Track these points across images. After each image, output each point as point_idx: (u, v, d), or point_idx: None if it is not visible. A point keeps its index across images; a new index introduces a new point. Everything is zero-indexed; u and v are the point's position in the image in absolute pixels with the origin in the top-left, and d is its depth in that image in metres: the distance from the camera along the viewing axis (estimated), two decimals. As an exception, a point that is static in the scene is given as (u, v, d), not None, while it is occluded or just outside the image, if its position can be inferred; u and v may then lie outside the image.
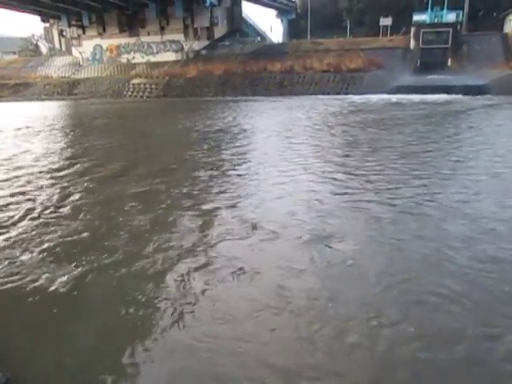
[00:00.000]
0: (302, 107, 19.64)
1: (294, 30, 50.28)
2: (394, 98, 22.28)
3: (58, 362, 2.82)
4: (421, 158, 8.24)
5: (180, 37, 37.34)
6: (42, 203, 6.04)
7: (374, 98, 22.70)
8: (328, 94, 25.92)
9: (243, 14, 40.10)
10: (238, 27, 38.19)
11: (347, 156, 8.71)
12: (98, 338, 3.05)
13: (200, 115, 17.90)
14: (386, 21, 35.81)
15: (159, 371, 2.69)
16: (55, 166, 8.53)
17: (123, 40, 39.13)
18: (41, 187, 6.93)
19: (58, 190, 6.73)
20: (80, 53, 41.05)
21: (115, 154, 9.88)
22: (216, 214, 5.39)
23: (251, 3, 45.74)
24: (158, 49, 38.41)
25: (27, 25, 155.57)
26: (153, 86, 31.69)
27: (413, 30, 30.88)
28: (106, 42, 39.90)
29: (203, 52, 36.85)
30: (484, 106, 17.74)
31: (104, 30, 39.39)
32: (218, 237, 4.60)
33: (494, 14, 38.59)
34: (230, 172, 7.69)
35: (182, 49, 37.39)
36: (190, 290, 3.54)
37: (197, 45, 36.83)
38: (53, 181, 7.34)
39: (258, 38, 50.29)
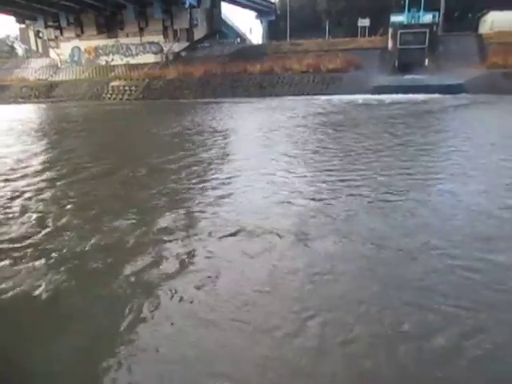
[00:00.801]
0: (282, 109, 19.69)
1: (273, 31, 50.47)
2: (373, 97, 22.53)
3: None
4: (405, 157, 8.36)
5: (159, 38, 37.11)
6: None
7: (353, 98, 22.90)
8: (308, 94, 26.06)
9: (223, 16, 40.11)
10: (218, 29, 38.17)
11: (327, 161, 8.76)
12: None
13: (180, 117, 17.82)
14: (364, 22, 36.24)
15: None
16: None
17: (102, 42, 38.69)
18: None
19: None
20: (58, 55, 40.42)
21: (91, 159, 9.74)
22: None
23: (231, 5, 45.80)
24: (138, 50, 38.09)
25: (1, 26, 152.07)
26: (132, 88, 31.41)
27: (390, 30, 31.30)
28: (84, 44, 39.39)
29: (183, 54, 36.70)
30: (460, 105, 18.08)
31: (82, 31, 38.86)
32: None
33: (469, 15, 39.45)
34: (211, 177, 7.67)
35: (161, 50, 37.16)
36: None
37: (176, 46, 36.65)
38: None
39: (238, 40, 50.32)
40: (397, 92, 23.29)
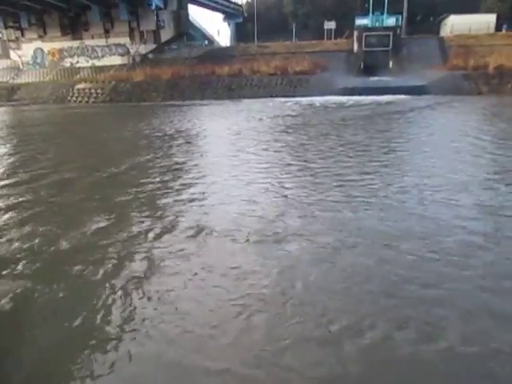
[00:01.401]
0: (250, 111, 19.78)
1: (241, 33, 50.64)
2: (339, 99, 22.89)
3: None
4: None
5: (126, 40, 36.58)
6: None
7: (320, 99, 23.21)
8: (276, 96, 26.24)
9: (190, 18, 39.94)
10: (185, 30, 37.95)
11: (305, 161, 8.89)
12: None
13: (147, 120, 17.61)
14: (330, 24, 36.86)
15: None
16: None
17: (66, 43, 37.80)
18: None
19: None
20: (19, 56, 39.18)
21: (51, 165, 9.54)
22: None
23: (198, 7, 45.66)
24: (104, 52, 37.41)
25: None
26: (99, 91, 30.79)
27: (356, 33, 31.92)
28: (47, 46, 38.35)
29: (150, 56, 36.29)
30: (419, 107, 18.62)
31: (45, 32, 37.85)
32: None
33: (431, 18, 40.74)
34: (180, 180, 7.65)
35: (128, 52, 36.63)
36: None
37: (143, 48, 36.23)
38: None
39: (206, 42, 50.23)
40: (363, 94, 23.73)
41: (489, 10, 38.71)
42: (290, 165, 8.23)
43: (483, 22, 34.81)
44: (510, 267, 4.01)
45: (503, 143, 9.84)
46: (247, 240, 4.65)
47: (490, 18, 35.88)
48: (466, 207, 5.51)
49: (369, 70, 29.83)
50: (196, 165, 8.75)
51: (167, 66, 32.03)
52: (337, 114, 16.95)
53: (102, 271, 4.06)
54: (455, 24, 35.01)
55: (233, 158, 9.05)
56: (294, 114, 17.82)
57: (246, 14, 53.03)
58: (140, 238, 4.81)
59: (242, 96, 27.01)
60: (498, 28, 34.77)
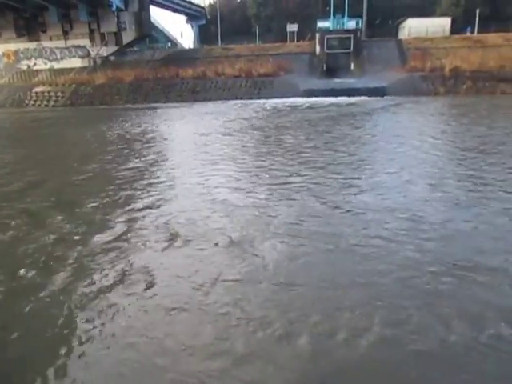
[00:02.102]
0: (215, 113, 19.79)
1: (204, 35, 50.46)
2: (303, 101, 23.23)
3: None
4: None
5: (86, 42, 35.71)
6: None
7: (284, 101, 23.48)
8: (241, 98, 26.34)
9: (152, 20, 39.43)
10: (148, 32, 37.41)
11: (264, 160, 8.97)
12: None
13: (109, 124, 17.32)
14: (293, 27, 37.30)
15: None
16: None
17: (22, 45, 36.51)
18: None
19: None
20: (-29, 58, 37.59)
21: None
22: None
23: (160, 8, 45.16)
24: (63, 55, 36.36)
25: None
26: (59, 94, 29.98)
27: (318, 36, 32.42)
28: (2, 47, 36.95)
29: (112, 58, 35.57)
30: (383, 107, 19.18)
31: (-1, 33, 36.48)
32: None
33: (390, 21, 41.88)
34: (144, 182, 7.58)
35: (88, 54, 35.76)
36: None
37: (104, 50, 35.46)
38: None
39: (169, 44, 49.72)
40: (326, 95, 24.17)
41: (444, 14, 40.16)
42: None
43: (439, 25, 36.12)
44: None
45: (441, 141, 10.51)
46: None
47: (445, 22, 37.27)
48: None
49: (331, 71, 30.36)
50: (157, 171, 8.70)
51: (130, 68, 31.57)
52: (297, 116, 17.22)
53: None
54: (412, 27, 36.14)
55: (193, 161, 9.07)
56: (254, 116, 17.98)
57: (209, 17, 52.84)
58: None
59: (207, 98, 26.95)
60: (454, 31, 36.16)
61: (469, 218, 5.29)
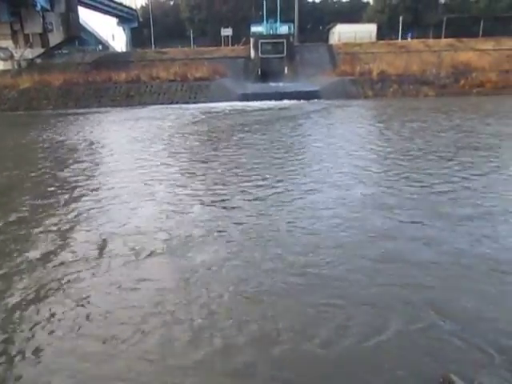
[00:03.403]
0: (150, 118, 19.45)
1: (137, 38, 49.36)
2: (239, 104, 23.44)
3: None
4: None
5: (8, 43, 33.57)
6: None
7: (220, 105, 23.52)
8: (177, 103, 26.05)
9: (81, 21, 38.00)
10: (76, 34, 35.99)
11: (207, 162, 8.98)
12: None
13: (36, 131, 16.47)
14: (227, 31, 37.57)
15: None
16: None
17: None
18: None
19: None
20: None
21: None
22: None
23: (89, 10, 43.58)
24: (-18, 57, 34.01)
25: None
26: (-22, 99, 27.98)
27: (252, 40, 32.92)
28: None
29: (38, 61, 33.80)
30: (314, 110, 19.84)
31: None
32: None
33: (320, 27, 43.43)
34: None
35: (11, 57, 33.67)
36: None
37: (30, 52, 33.60)
38: None
39: (100, 47, 48.13)
40: (261, 99, 24.53)
41: (370, 20, 42.31)
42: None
43: (366, 31, 37.98)
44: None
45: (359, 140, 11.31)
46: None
47: (372, 28, 39.29)
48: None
49: (266, 76, 30.94)
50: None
51: (58, 71, 30.13)
52: (232, 119, 17.42)
53: None
54: (342, 32, 37.70)
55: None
56: (191, 120, 17.93)
57: (141, 19, 51.74)
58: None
59: (142, 103, 26.38)
60: (380, 37, 38.13)
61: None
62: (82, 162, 10.12)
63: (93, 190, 7.43)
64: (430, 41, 36.05)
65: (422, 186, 7.04)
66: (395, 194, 6.68)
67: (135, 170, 8.84)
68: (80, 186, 7.73)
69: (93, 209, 6.40)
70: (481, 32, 37.70)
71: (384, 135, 12.68)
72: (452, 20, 40.28)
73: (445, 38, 37.15)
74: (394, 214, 5.79)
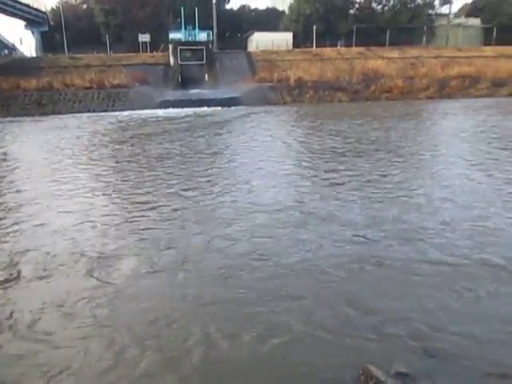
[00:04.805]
0: (64, 128, 18.63)
1: (48, 43, 46.62)
2: (160, 112, 23.14)
3: None
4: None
5: None
6: None
7: (140, 113, 23.09)
8: (94, 111, 25.07)
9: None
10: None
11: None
12: None
13: None
14: (145, 37, 36.89)
15: None
16: None
17: None
18: None
19: None
20: None
21: None
22: None
23: (-8, 11, 40.49)
24: None
25: None
26: None
27: (171, 47, 32.65)
28: None
29: None
30: (237, 117, 20.21)
31: None
32: None
33: (239, 35, 44.14)
34: None
35: None
36: None
37: None
38: None
39: (6, 51, 44.83)
40: (182, 106, 24.41)
41: (286, 29, 43.75)
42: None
43: (283, 39, 39.35)
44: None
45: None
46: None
47: (288, 36, 40.77)
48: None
49: (186, 83, 30.85)
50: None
51: (-43, 79, 27.69)
52: (153, 127, 17.28)
53: None
54: (260, 40, 38.69)
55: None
56: (109, 128, 17.50)
57: (52, 23, 48.95)
58: None
59: (56, 111, 25.05)
60: (296, 45, 39.61)
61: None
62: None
63: None
64: (342, 49, 38.18)
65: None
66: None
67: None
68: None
69: None
70: (387, 41, 40.59)
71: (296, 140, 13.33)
72: (361, 30, 42.93)
73: (355, 46, 39.53)
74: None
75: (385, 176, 8.51)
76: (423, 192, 7.38)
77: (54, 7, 51.87)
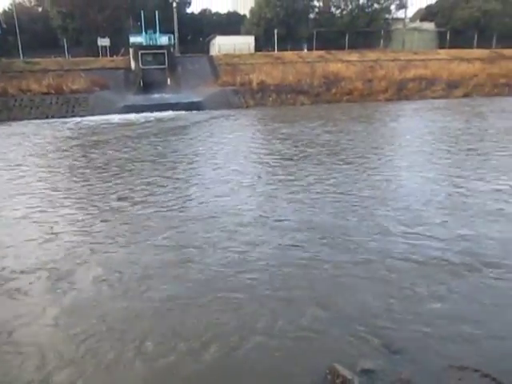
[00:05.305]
0: (19, 135, 18.04)
1: (1, 47, 44.85)
2: (121, 117, 22.76)
3: None
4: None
5: None
6: None
7: (101, 118, 22.64)
8: (53, 117, 24.32)
9: None
10: None
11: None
12: None
13: None
14: (104, 41, 36.12)
15: None
16: None
17: None
18: None
19: None
20: None
21: None
22: None
23: None
24: None
25: None
26: None
27: (131, 51, 32.14)
28: None
29: None
30: (199, 121, 20.17)
31: None
32: None
33: (200, 38, 43.96)
34: None
35: None
36: None
37: None
38: None
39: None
40: (145, 111, 24.14)
41: (248, 33, 43.88)
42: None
43: (245, 42, 39.43)
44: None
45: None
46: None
47: (250, 40, 40.89)
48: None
49: (148, 87, 30.47)
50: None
51: None
52: (115, 133, 17.01)
53: None
54: (222, 44, 38.64)
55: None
56: (68, 136, 17.08)
57: (4, 25, 47.12)
58: None
59: (11, 118, 24.18)
60: (258, 48, 39.85)
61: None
62: None
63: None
64: (303, 52, 38.74)
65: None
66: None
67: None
68: None
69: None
70: (346, 45, 41.48)
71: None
72: (321, 33, 43.65)
73: (316, 50, 40.20)
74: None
75: (321, 181, 8.92)
76: (356, 193, 7.99)
77: (7, 9, 49.94)
